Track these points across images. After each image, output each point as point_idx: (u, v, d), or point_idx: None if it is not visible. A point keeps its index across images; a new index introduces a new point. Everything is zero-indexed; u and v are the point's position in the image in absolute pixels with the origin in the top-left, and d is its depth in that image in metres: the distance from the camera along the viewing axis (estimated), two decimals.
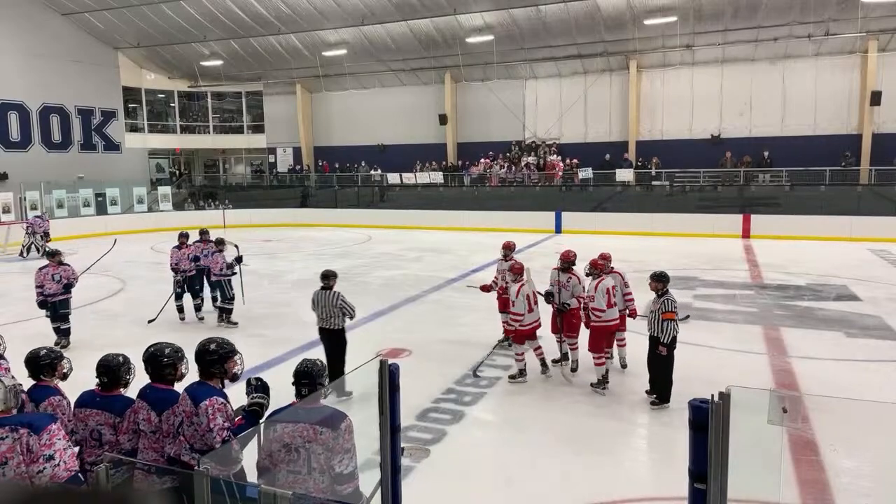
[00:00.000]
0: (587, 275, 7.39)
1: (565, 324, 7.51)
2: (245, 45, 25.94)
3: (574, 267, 7.64)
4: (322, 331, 6.89)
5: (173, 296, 10.36)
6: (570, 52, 23.86)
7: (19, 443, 2.93)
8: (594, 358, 6.96)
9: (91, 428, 3.70)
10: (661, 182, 22.82)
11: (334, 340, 6.80)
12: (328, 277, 6.88)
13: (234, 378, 3.75)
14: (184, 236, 10.65)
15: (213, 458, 3.29)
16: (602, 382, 6.90)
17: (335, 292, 6.78)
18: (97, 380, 3.80)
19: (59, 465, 2.95)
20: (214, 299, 10.13)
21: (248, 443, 3.48)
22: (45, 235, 17.84)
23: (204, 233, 10.89)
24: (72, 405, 3.84)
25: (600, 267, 7.25)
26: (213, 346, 3.68)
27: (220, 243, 10.30)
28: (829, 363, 7.79)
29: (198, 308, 10.43)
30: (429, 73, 26.61)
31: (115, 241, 9.54)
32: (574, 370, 7.46)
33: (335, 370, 6.40)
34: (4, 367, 4.40)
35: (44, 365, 3.86)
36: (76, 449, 3.49)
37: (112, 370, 3.76)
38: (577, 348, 7.47)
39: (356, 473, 3.36)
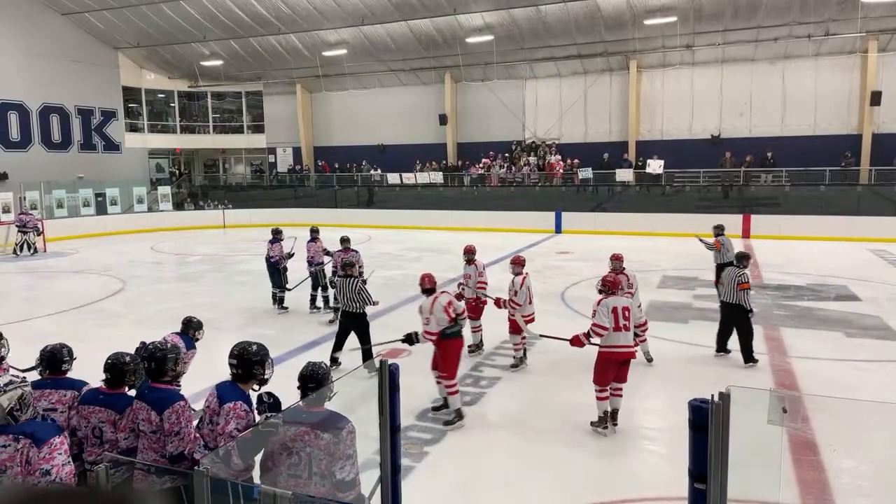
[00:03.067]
0: (599, 291, 6.26)
1: (440, 357, 6.31)
2: (245, 45, 25.94)
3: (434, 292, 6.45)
4: (345, 313, 7.58)
5: (311, 287, 10.71)
6: (570, 52, 23.87)
7: (20, 453, 2.91)
8: (595, 391, 6.01)
9: (93, 425, 3.71)
10: (659, 184, 22.81)
11: (356, 323, 7.46)
12: (349, 266, 7.66)
13: (264, 383, 3.70)
14: (316, 231, 10.97)
15: (217, 460, 3.28)
16: (602, 421, 5.95)
17: (355, 280, 7.47)
18: (103, 376, 3.83)
19: (54, 480, 2.92)
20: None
21: (250, 455, 3.39)
22: (36, 230, 17.80)
23: (315, 231, 11.00)
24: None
25: (609, 285, 6.14)
26: (255, 348, 3.63)
27: (345, 241, 10.70)
28: (829, 363, 7.79)
29: (326, 301, 10.66)
30: (429, 73, 26.62)
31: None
32: (451, 423, 6.08)
33: (364, 351, 7.42)
34: (4, 367, 4.41)
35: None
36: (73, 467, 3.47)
37: (118, 368, 3.80)
38: (455, 392, 6.20)
39: (358, 480, 3.31)
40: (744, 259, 7.80)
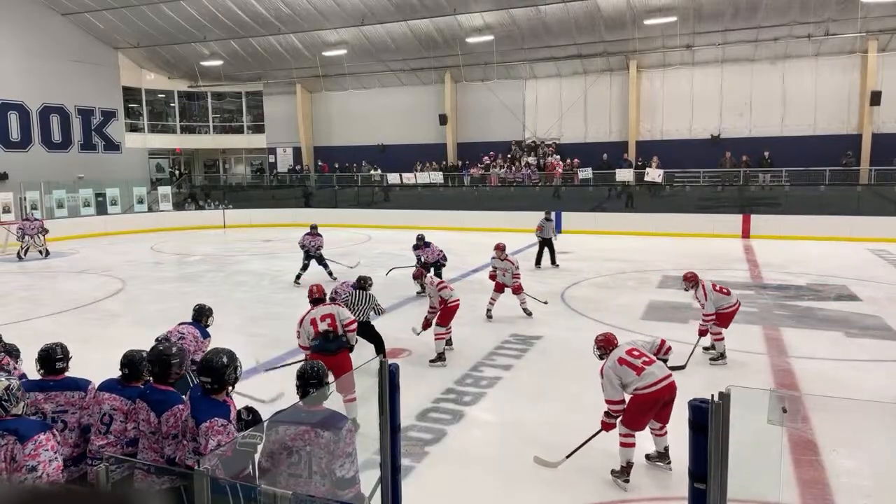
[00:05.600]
0: (599, 357, 5.25)
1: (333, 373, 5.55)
2: (245, 45, 25.94)
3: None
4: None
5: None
6: (570, 52, 23.85)
7: (4, 450, 2.91)
8: (622, 436, 5.08)
9: (104, 412, 3.75)
10: (659, 183, 22.80)
11: (366, 330, 7.74)
12: (365, 280, 8.09)
13: (237, 382, 3.64)
14: (421, 237, 12.67)
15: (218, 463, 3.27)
16: (625, 472, 5.02)
17: (370, 294, 7.95)
18: (120, 371, 3.90)
19: (41, 476, 2.89)
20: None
21: (234, 470, 3.31)
22: (44, 231, 17.70)
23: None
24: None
25: (605, 344, 5.22)
26: (226, 359, 3.47)
27: (420, 239, 12.60)
28: (829, 363, 7.79)
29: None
30: (429, 73, 26.61)
31: None
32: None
33: (378, 346, 7.86)
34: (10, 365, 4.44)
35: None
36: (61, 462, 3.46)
37: (134, 364, 3.87)
38: (353, 399, 5.71)
39: (357, 478, 3.31)
40: None
